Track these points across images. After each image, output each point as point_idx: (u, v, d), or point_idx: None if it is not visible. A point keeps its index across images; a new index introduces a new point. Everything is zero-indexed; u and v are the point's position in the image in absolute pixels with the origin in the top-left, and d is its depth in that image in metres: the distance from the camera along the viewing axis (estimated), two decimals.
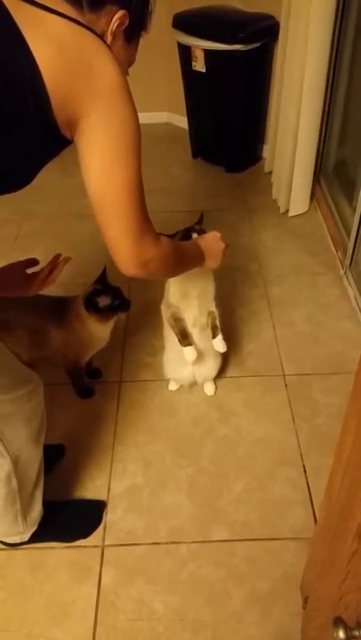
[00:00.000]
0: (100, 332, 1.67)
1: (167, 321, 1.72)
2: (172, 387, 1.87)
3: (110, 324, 1.67)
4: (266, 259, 2.46)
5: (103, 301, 1.58)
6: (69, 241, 2.62)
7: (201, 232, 1.58)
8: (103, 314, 1.61)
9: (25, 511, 1.33)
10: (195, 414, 1.81)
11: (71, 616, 1.34)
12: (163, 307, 1.76)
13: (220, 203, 2.86)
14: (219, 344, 1.70)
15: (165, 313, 1.73)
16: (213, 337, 1.70)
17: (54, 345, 1.70)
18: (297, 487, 1.59)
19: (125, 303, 1.62)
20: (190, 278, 1.58)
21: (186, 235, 1.62)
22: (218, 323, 1.70)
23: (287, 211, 2.71)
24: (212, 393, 1.86)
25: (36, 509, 1.37)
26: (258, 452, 1.69)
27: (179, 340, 1.68)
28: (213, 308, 1.69)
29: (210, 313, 1.69)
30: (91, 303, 1.59)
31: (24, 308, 1.72)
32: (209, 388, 1.87)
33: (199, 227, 1.66)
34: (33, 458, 1.27)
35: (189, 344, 1.69)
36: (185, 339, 1.69)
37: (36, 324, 1.69)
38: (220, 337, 1.70)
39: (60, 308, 1.68)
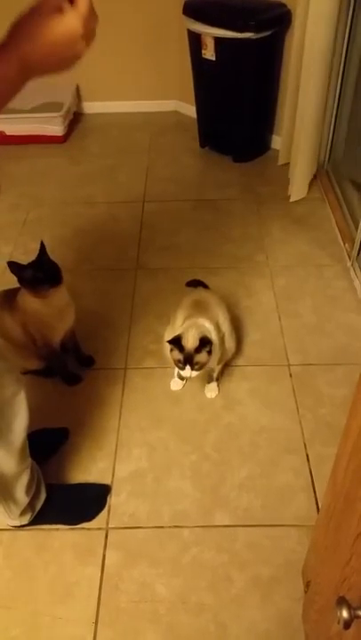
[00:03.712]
0: (43, 306, 1.66)
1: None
2: (174, 386, 1.86)
3: (53, 300, 1.66)
4: (273, 249, 2.46)
5: (26, 274, 1.60)
6: (76, 228, 2.63)
7: None
8: (32, 287, 1.61)
9: (7, 502, 1.32)
10: (199, 402, 1.82)
11: (75, 596, 1.36)
12: (166, 337, 1.81)
13: (227, 192, 2.86)
14: (209, 390, 1.82)
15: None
16: (208, 382, 1.82)
17: (15, 331, 1.71)
18: (300, 475, 1.60)
19: (50, 277, 1.61)
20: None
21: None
22: (215, 375, 1.81)
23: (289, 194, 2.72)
24: (212, 395, 1.82)
25: (21, 500, 1.35)
26: (262, 441, 1.70)
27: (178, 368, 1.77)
28: (215, 365, 1.76)
29: (210, 367, 1.75)
30: (12, 269, 1.60)
31: None
32: (210, 390, 1.83)
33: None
34: (2, 457, 1.21)
35: (181, 378, 1.85)
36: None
37: None
38: (214, 383, 1.83)
39: (11, 297, 1.71)
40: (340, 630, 0.76)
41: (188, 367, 1.56)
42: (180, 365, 1.57)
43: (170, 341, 1.58)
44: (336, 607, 0.69)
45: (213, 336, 1.63)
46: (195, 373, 1.58)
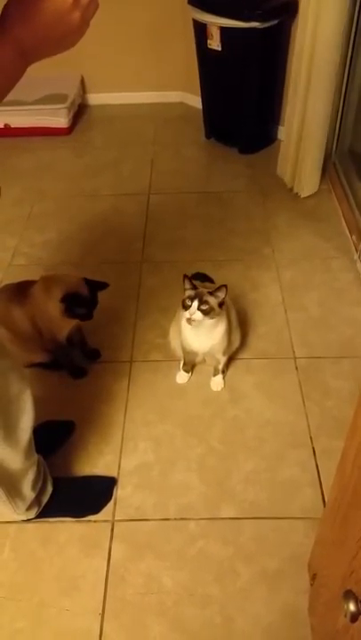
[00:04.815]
0: (57, 309, 1.67)
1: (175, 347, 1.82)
2: (180, 380, 1.85)
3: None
4: (279, 242, 2.44)
5: (79, 310, 1.65)
6: (81, 221, 2.62)
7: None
8: (72, 317, 1.66)
9: (13, 498, 1.32)
10: (205, 395, 1.81)
11: (81, 588, 1.37)
12: (171, 331, 1.83)
13: (233, 185, 2.83)
14: (215, 383, 1.82)
15: (174, 338, 1.81)
16: (214, 375, 1.82)
17: (24, 324, 1.71)
18: (306, 469, 1.60)
19: (89, 317, 1.68)
20: (197, 340, 1.65)
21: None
22: (221, 367, 1.80)
23: (298, 192, 2.69)
24: (218, 389, 1.82)
25: (27, 496, 1.35)
26: (267, 434, 1.69)
27: (183, 361, 1.82)
28: (220, 357, 1.75)
29: (215, 358, 1.76)
30: (69, 303, 1.62)
31: None
32: (216, 383, 1.82)
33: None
34: (8, 454, 1.21)
35: (186, 371, 1.85)
36: (185, 365, 1.82)
37: (4, 312, 1.72)
38: (219, 376, 1.82)
39: (22, 290, 1.72)
40: (346, 623, 0.75)
41: (195, 303, 1.52)
42: (188, 303, 1.53)
43: (186, 276, 1.57)
44: (343, 600, 0.69)
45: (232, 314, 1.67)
46: (199, 315, 1.53)
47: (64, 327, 1.73)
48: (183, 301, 1.55)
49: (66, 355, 1.85)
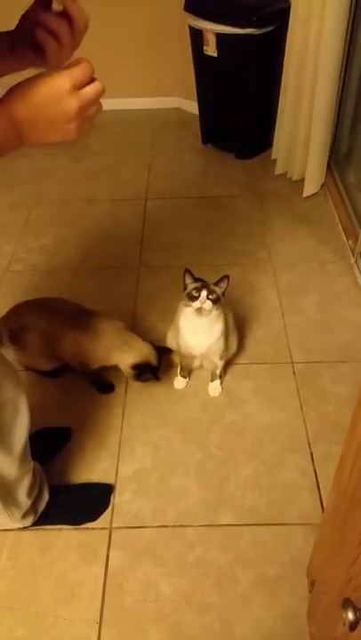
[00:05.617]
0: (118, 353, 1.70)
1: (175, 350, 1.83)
2: (178, 385, 1.85)
3: None
4: (276, 246, 2.44)
5: (147, 376, 1.69)
6: (78, 226, 2.62)
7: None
8: (137, 378, 1.70)
9: (8, 506, 1.31)
10: (203, 400, 1.81)
11: (79, 596, 1.36)
12: (169, 335, 1.84)
13: (230, 189, 2.84)
14: (213, 388, 1.82)
15: (172, 342, 1.81)
16: (211, 380, 1.82)
17: (64, 342, 1.69)
18: (305, 474, 1.59)
19: (145, 380, 1.73)
20: (196, 338, 1.65)
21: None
22: (218, 372, 1.80)
23: (302, 180, 2.72)
24: (216, 394, 1.81)
25: (22, 503, 1.34)
26: (266, 439, 1.69)
27: (180, 367, 1.83)
28: (217, 360, 1.75)
29: (212, 362, 1.76)
30: (139, 370, 1.67)
31: (43, 313, 1.74)
32: (213, 388, 1.82)
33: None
34: (3, 461, 1.20)
35: (183, 376, 1.85)
36: (182, 370, 1.83)
37: (51, 327, 1.70)
38: (217, 382, 1.82)
39: (79, 317, 1.70)
40: (345, 631, 0.75)
41: (204, 293, 1.54)
42: (196, 294, 1.55)
43: (188, 270, 1.60)
44: (342, 609, 0.68)
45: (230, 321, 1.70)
46: (209, 304, 1.54)
47: (102, 362, 1.73)
48: (189, 293, 1.57)
49: (95, 372, 1.82)
